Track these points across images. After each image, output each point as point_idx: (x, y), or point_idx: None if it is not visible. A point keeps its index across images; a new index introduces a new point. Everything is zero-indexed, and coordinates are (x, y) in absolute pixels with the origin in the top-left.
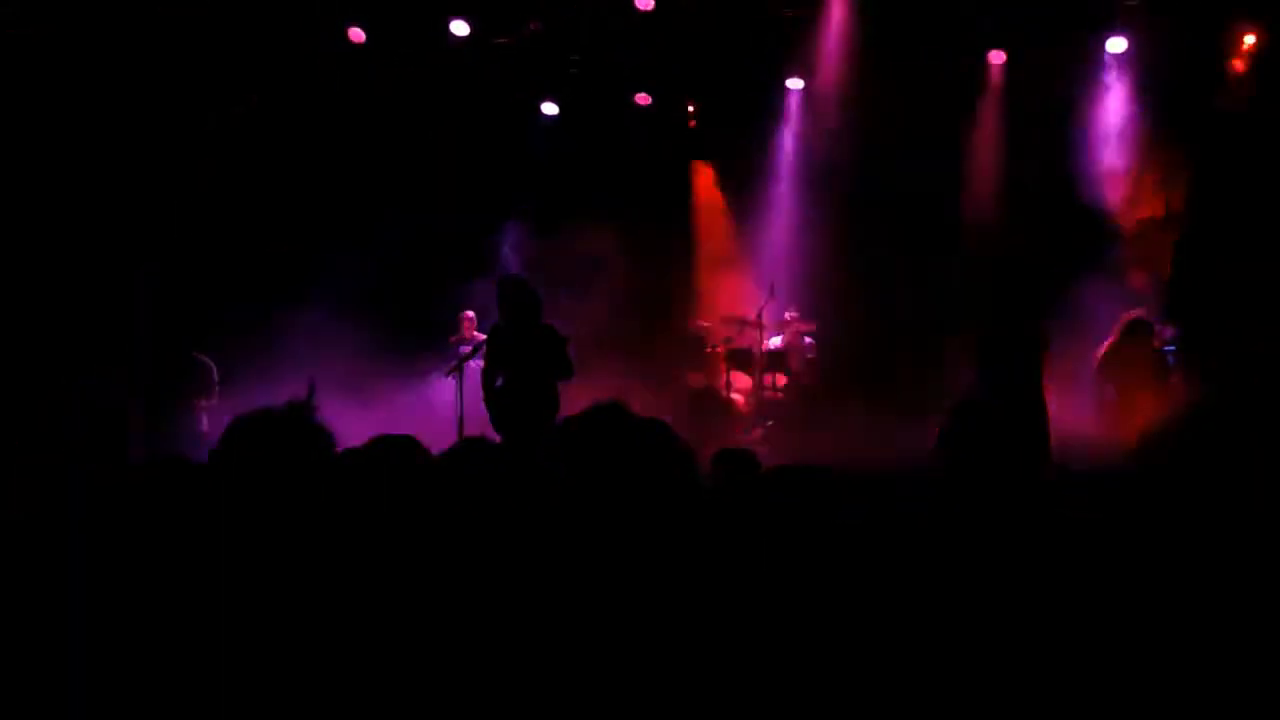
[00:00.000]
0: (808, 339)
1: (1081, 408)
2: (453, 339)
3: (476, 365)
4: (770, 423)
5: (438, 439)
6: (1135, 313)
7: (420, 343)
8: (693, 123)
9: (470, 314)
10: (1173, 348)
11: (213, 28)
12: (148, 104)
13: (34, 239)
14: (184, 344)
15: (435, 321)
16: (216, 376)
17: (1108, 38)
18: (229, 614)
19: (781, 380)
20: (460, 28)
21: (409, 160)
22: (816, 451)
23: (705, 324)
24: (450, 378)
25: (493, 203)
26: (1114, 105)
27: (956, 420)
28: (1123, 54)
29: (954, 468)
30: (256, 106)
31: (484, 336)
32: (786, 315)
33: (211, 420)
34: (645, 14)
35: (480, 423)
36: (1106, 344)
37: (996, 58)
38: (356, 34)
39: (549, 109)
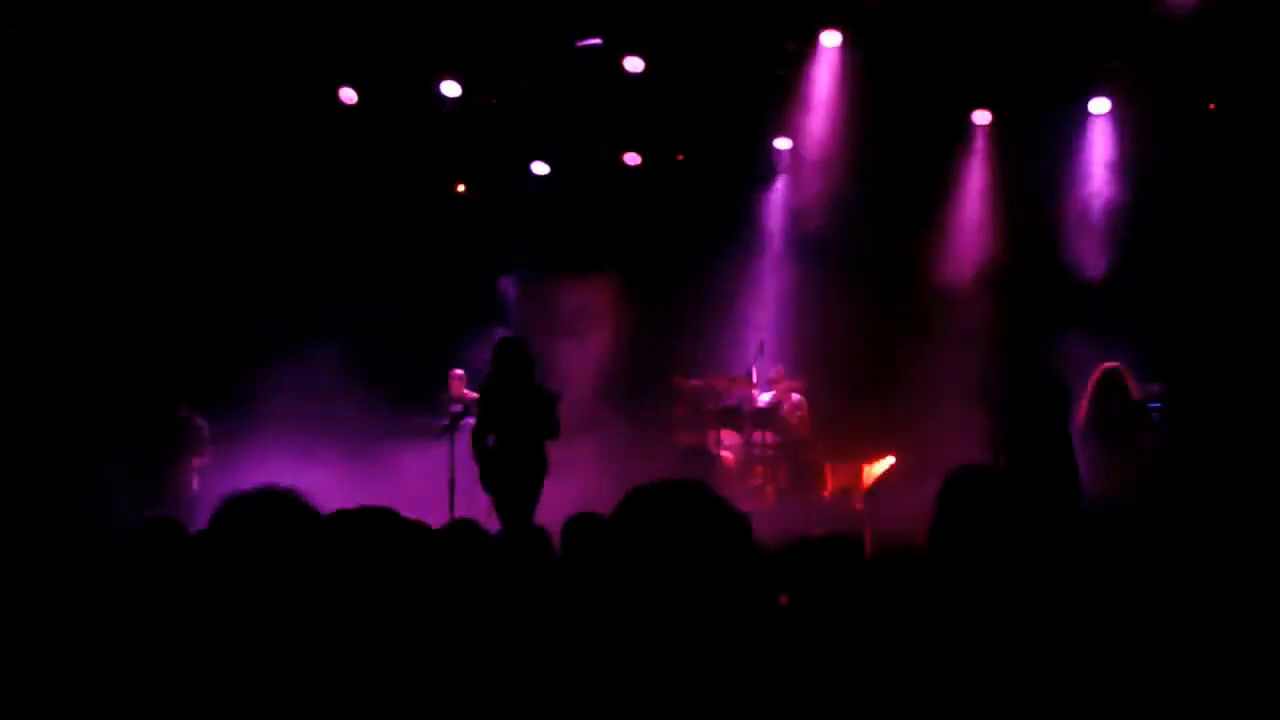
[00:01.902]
0: (797, 396)
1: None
2: (443, 397)
3: (467, 424)
4: (760, 482)
5: (429, 498)
6: (1109, 365)
7: (412, 393)
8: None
9: (459, 372)
10: (1156, 405)
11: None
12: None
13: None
14: (178, 401)
15: (427, 375)
16: (209, 434)
17: (1091, 99)
18: (215, 681)
19: (771, 438)
20: (451, 88)
21: (399, 215)
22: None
23: (694, 381)
24: (441, 437)
25: (485, 258)
26: (1098, 165)
27: (954, 492)
28: (1106, 114)
29: (947, 545)
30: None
31: (474, 395)
32: (775, 373)
33: (203, 478)
34: (634, 75)
35: (472, 482)
36: (1084, 403)
37: (981, 117)
38: (348, 95)
39: (539, 168)
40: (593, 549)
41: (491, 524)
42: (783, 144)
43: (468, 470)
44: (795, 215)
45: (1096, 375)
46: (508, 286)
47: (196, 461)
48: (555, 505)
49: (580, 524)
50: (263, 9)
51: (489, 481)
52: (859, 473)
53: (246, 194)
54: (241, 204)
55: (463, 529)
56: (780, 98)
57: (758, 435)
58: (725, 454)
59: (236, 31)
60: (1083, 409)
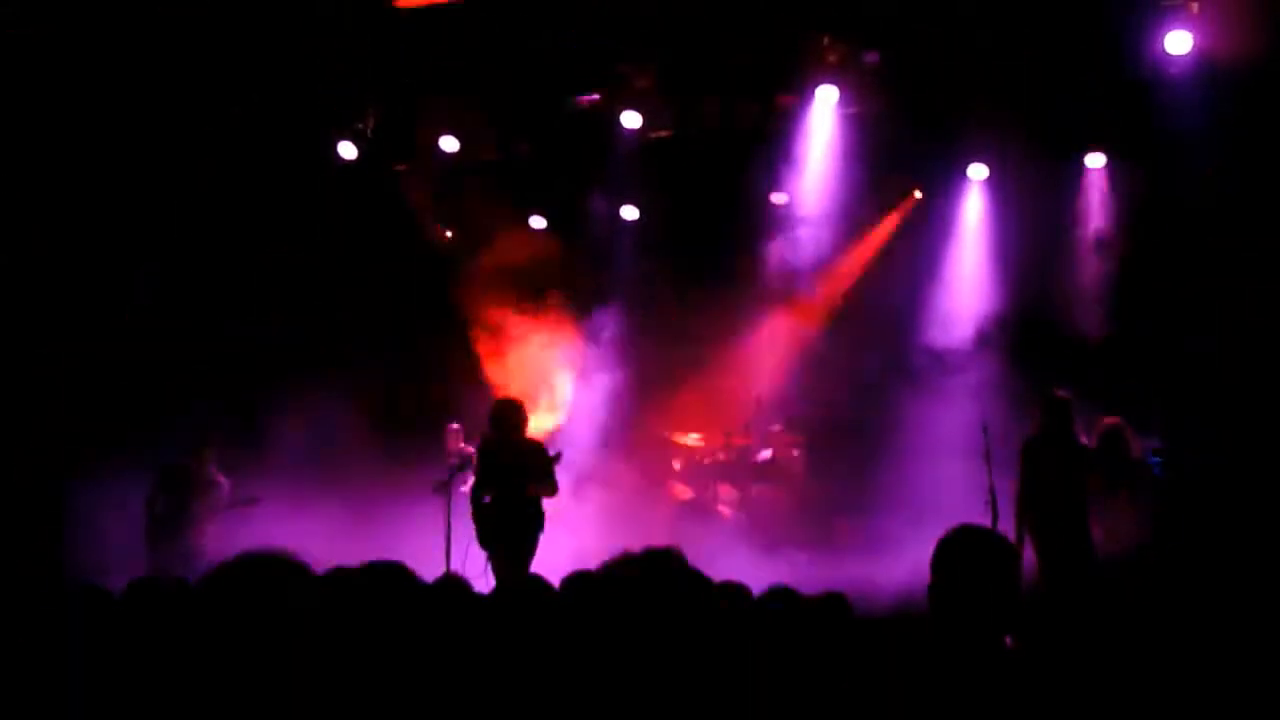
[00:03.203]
0: (795, 451)
1: None
2: (442, 451)
3: (463, 478)
4: (759, 537)
5: (424, 552)
6: (1110, 420)
7: (410, 446)
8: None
9: (456, 426)
10: (1157, 459)
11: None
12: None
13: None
14: (202, 459)
15: (425, 427)
16: (228, 494)
17: (1087, 153)
18: None
19: (768, 493)
20: (450, 144)
21: (400, 265)
22: (805, 569)
23: (692, 435)
24: (438, 492)
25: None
26: (1095, 220)
27: (950, 553)
28: (1103, 169)
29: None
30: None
31: (471, 449)
32: (774, 428)
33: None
34: (630, 130)
35: (467, 537)
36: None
37: (978, 172)
38: (347, 150)
39: (537, 222)
40: (590, 607)
41: (489, 579)
42: (779, 199)
43: (464, 524)
44: (792, 270)
45: (1098, 431)
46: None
47: (211, 526)
48: (552, 560)
49: (578, 582)
50: (258, 65)
51: (485, 537)
52: None
53: (246, 244)
54: (243, 256)
55: (453, 585)
56: (776, 153)
57: (755, 490)
58: (723, 509)
59: (232, 89)
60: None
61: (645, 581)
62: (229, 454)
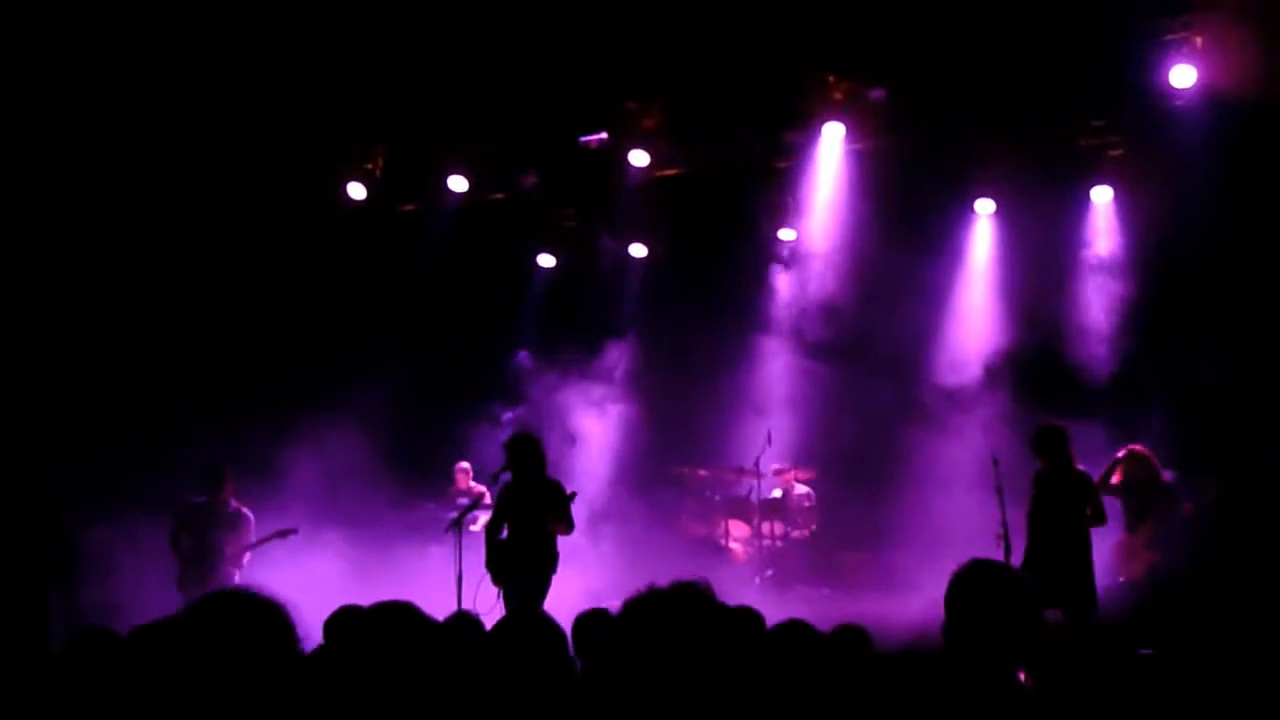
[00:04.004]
0: (805, 487)
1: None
2: (450, 490)
3: (473, 518)
4: (770, 573)
5: (436, 590)
6: (1135, 446)
7: (422, 484)
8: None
9: (465, 465)
10: (1187, 487)
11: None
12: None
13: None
14: (221, 493)
15: (437, 459)
16: (254, 526)
17: (1093, 186)
18: None
19: (780, 529)
20: (459, 183)
21: (414, 304)
22: (818, 605)
23: (703, 471)
24: (449, 530)
25: (496, 344)
26: (1101, 253)
27: (963, 588)
28: (1110, 202)
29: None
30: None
31: (481, 488)
32: (783, 464)
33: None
34: (640, 168)
35: (478, 575)
36: (1108, 478)
37: (985, 206)
38: (357, 190)
39: (545, 261)
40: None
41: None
42: (787, 235)
43: (475, 562)
44: (800, 306)
45: (1122, 455)
46: (516, 377)
47: (238, 566)
48: (564, 597)
49: (591, 620)
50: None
51: (499, 573)
52: None
53: (259, 283)
54: (258, 295)
55: (465, 622)
56: (784, 189)
57: (767, 526)
58: (734, 545)
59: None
60: (1103, 481)
61: (677, 617)
62: (242, 492)
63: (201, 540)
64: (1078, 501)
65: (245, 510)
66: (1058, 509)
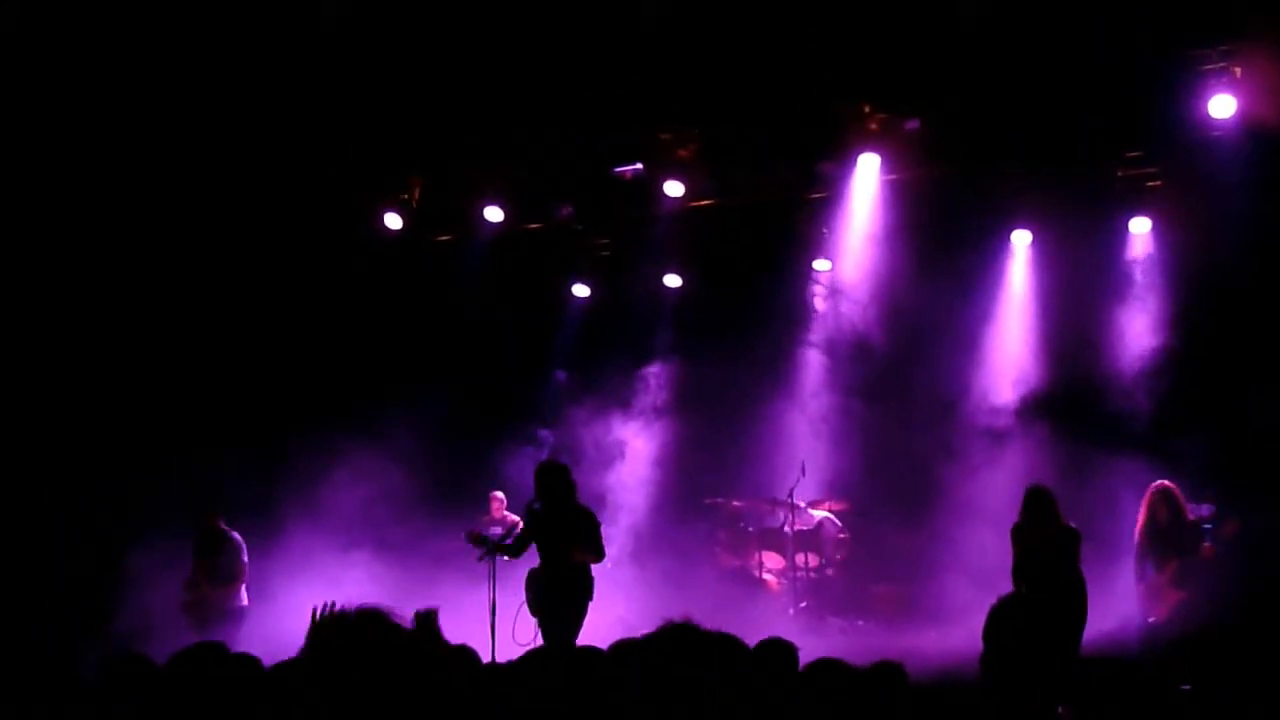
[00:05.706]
0: (839, 519)
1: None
2: (484, 519)
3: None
4: (804, 604)
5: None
6: (1161, 483)
7: (459, 506)
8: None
9: (499, 495)
10: (1210, 525)
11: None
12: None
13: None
14: (213, 520)
15: (473, 487)
16: (246, 555)
17: (1132, 218)
18: None
19: (814, 561)
20: (495, 213)
21: (450, 334)
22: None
23: (737, 503)
24: (482, 561)
25: (531, 374)
26: (1139, 285)
27: (1000, 620)
28: (1148, 233)
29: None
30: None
31: (515, 518)
32: (817, 495)
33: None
34: (675, 198)
35: (518, 603)
36: (1140, 520)
37: (1022, 238)
38: (394, 220)
39: (580, 291)
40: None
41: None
42: (822, 266)
43: (510, 592)
44: (835, 337)
45: (1149, 492)
46: (553, 400)
47: (240, 586)
48: (599, 626)
49: (624, 651)
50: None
51: (534, 603)
52: None
53: (299, 313)
54: (297, 324)
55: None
56: (819, 220)
57: (800, 557)
58: (768, 577)
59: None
60: (1138, 525)
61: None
62: (279, 518)
63: (203, 567)
64: (1063, 552)
65: (235, 535)
66: (1043, 560)
